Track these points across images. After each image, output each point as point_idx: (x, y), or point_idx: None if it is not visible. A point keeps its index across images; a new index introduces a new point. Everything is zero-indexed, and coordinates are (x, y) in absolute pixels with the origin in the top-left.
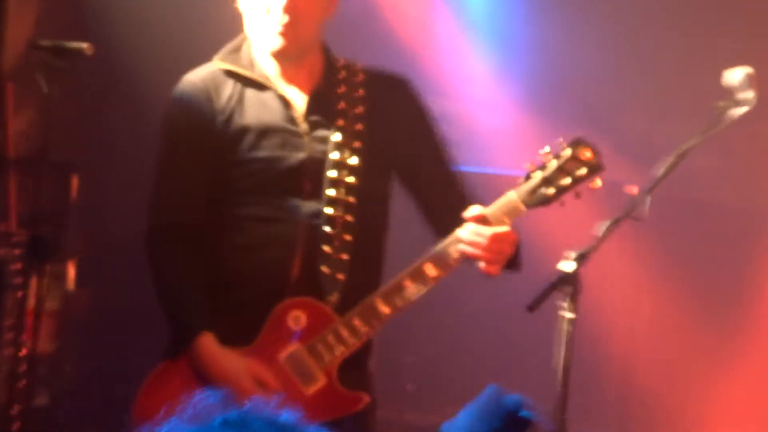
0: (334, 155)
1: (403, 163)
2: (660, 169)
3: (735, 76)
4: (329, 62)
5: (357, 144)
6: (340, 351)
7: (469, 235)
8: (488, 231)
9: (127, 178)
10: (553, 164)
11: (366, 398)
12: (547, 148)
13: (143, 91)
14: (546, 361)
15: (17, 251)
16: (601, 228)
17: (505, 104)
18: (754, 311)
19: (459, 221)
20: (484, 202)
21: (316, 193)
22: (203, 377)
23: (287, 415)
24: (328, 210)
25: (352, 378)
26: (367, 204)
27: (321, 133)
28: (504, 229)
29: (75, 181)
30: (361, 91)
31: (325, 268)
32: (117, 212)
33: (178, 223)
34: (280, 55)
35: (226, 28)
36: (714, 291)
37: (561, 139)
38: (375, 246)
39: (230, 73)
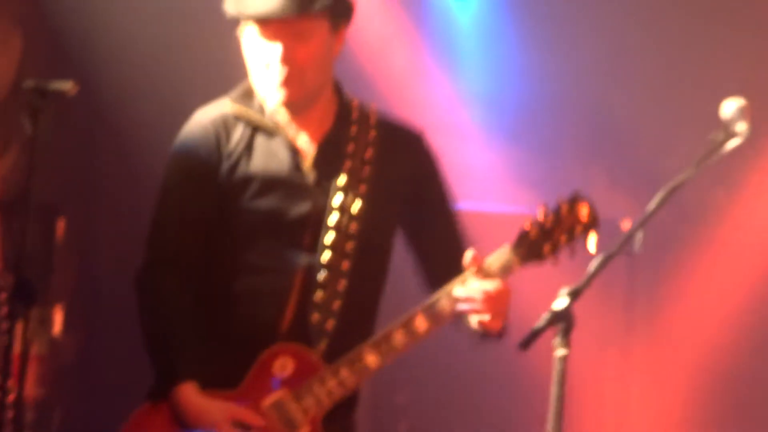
0: (338, 199)
1: (408, 217)
2: (652, 204)
3: (728, 108)
4: (342, 103)
5: (362, 188)
6: (326, 400)
7: (466, 290)
8: (485, 286)
9: (115, 221)
10: (550, 221)
11: None
12: (545, 205)
13: (129, 132)
14: (540, 398)
15: (2, 295)
16: (593, 264)
17: (494, 138)
18: None
19: (453, 274)
20: (475, 244)
21: (316, 244)
22: (182, 423)
23: None
24: (325, 255)
25: (337, 428)
26: (366, 251)
27: (328, 183)
28: (499, 285)
29: (61, 224)
30: (372, 134)
31: (315, 315)
32: (104, 255)
33: (173, 260)
34: (286, 107)
35: (213, 67)
36: None
37: (558, 197)
38: (370, 295)
39: (240, 117)
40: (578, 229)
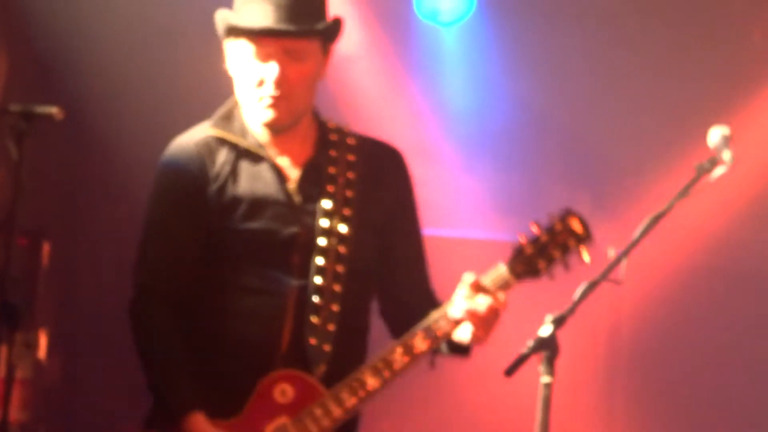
0: (324, 223)
1: (383, 238)
2: (637, 232)
3: (714, 136)
4: (321, 127)
5: (347, 212)
6: (328, 425)
7: (464, 304)
8: (486, 301)
9: (100, 245)
10: (544, 236)
11: None
12: (537, 222)
13: (115, 156)
14: (525, 424)
15: None
16: (578, 291)
17: (477, 164)
18: None
19: (417, 302)
20: (462, 268)
21: (306, 266)
22: None
23: None
24: (317, 280)
25: None
26: (356, 273)
27: (313, 206)
28: (501, 299)
29: (46, 248)
30: (352, 156)
31: (312, 340)
32: (89, 279)
33: (163, 288)
34: (271, 127)
35: (200, 90)
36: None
37: (550, 213)
38: (361, 316)
39: (223, 141)
40: (572, 243)
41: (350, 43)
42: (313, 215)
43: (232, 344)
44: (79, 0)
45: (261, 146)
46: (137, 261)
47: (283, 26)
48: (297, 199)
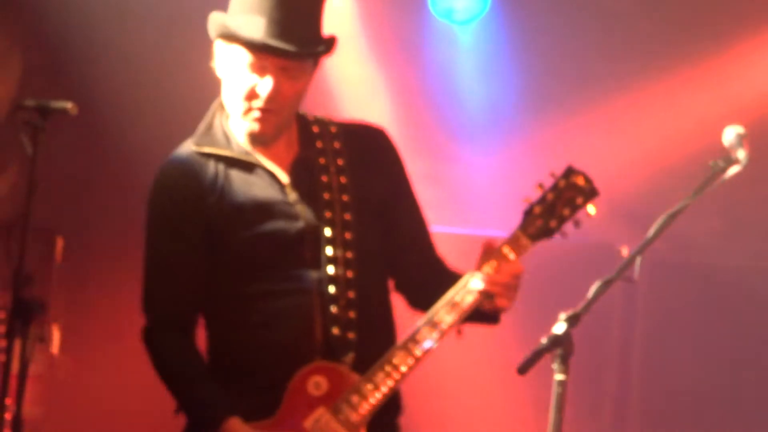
0: (326, 213)
1: (379, 211)
2: (651, 231)
3: (727, 135)
4: (301, 121)
5: (345, 198)
6: (366, 409)
7: (494, 277)
8: (510, 270)
9: (113, 241)
10: (551, 196)
11: None
12: (541, 183)
13: (128, 152)
14: (539, 421)
15: (1, 314)
16: (592, 289)
17: (493, 165)
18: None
19: (435, 283)
20: (469, 264)
21: (317, 258)
22: None
23: None
24: (330, 270)
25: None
26: (365, 257)
27: (311, 199)
28: (518, 266)
29: (59, 244)
30: (337, 144)
31: (335, 330)
32: (102, 275)
33: (173, 320)
34: (256, 139)
35: (212, 88)
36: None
37: (553, 173)
38: (381, 299)
39: (209, 155)
40: (579, 199)
41: (365, 39)
42: (313, 208)
43: (268, 350)
44: None
45: (247, 153)
46: (144, 293)
47: (285, 46)
48: (294, 195)
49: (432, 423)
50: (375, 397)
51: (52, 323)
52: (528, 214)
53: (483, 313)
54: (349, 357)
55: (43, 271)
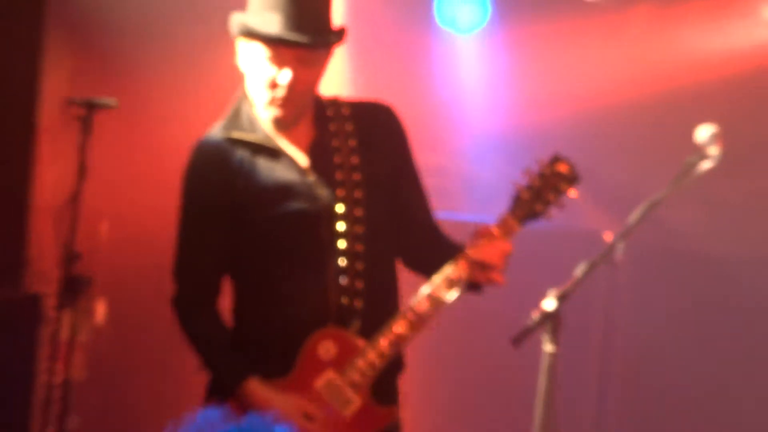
0: (339, 192)
1: (390, 188)
2: (633, 218)
3: (703, 133)
4: (317, 104)
5: (356, 176)
6: (370, 372)
7: (481, 252)
8: (496, 247)
9: (152, 222)
10: (537, 182)
11: (397, 412)
12: (528, 169)
13: (167, 142)
14: (529, 388)
15: (52, 288)
16: (579, 270)
17: (489, 157)
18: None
19: (435, 249)
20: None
21: (332, 234)
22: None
23: (280, 428)
24: (341, 244)
25: (383, 394)
26: (375, 232)
27: (327, 180)
28: (507, 245)
29: (105, 226)
30: (349, 126)
31: (344, 299)
32: (143, 253)
33: (199, 292)
34: (279, 123)
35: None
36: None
37: (539, 160)
38: (387, 271)
39: (237, 140)
40: (562, 185)
41: (378, 45)
42: (329, 188)
43: (285, 318)
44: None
45: (270, 138)
46: (174, 266)
47: (300, 38)
48: (312, 177)
49: (430, 387)
50: (378, 362)
51: (97, 297)
52: (516, 198)
53: (471, 284)
54: (356, 324)
55: (90, 250)
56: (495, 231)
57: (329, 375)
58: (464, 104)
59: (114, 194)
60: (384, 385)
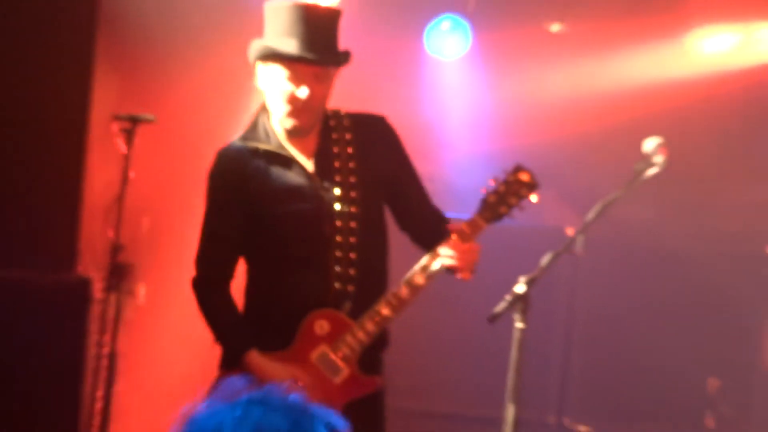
0: (337, 192)
1: (387, 187)
2: (590, 216)
3: (649, 144)
4: (323, 117)
5: (352, 179)
6: (357, 347)
7: (449, 251)
8: (462, 247)
9: (186, 220)
10: (502, 188)
11: (380, 381)
12: (495, 177)
13: (198, 150)
14: (503, 359)
15: (101, 274)
16: (545, 259)
17: (468, 164)
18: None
19: (432, 229)
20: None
21: (332, 229)
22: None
23: (295, 397)
24: (338, 237)
25: (369, 365)
26: (367, 227)
27: (329, 182)
28: (473, 244)
29: (146, 222)
30: (349, 135)
31: (338, 284)
32: (177, 245)
33: (215, 275)
34: (297, 132)
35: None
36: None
37: (505, 169)
38: (377, 261)
39: (254, 149)
40: (524, 191)
41: (375, 69)
42: (329, 190)
43: (288, 300)
44: (174, 24)
45: (282, 146)
46: (197, 252)
47: (315, 57)
48: (316, 181)
49: (415, 365)
50: (364, 338)
51: (138, 281)
52: (484, 201)
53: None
54: (348, 305)
55: (133, 241)
56: (465, 228)
57: (323, 348)
58: (448, 119)
59: (153, 195)
60: (369, 358)
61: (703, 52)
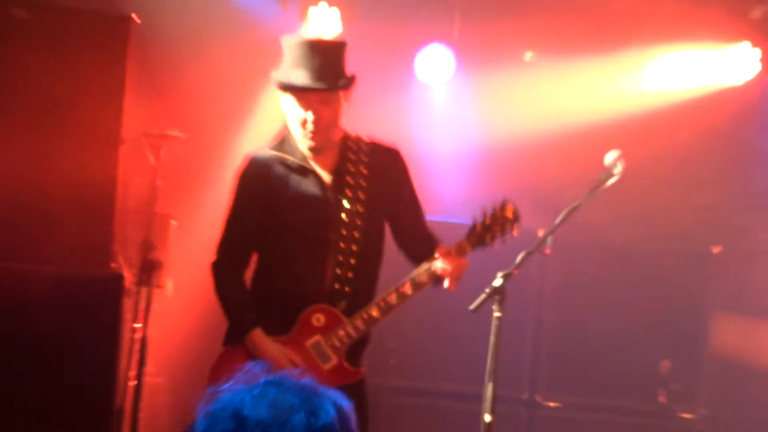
0: (346, 205)
1: (390, 208)
2: (558, 219)
3: (610, 156)
4: (344, 139)
5: (361, 195)
6: (347, 341)
7: (442, 265)
8: (452, 263)
9: (208, 223)
10: (489, 220)
11: (363, 372)
12: (484, 208)
13: (218, 164)
14: (483, 343)
15: (134, 270)
16: (519, 257)
17: (460, 178)
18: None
19: (424, 250)
20: (442, 240)
21: (336, 236)
22: (254, 358)
23: (307, 379)
24: (341, 244)
25: (354, 358)
26: (368, 239)
27: (340, 196)
28: (461, 261)
29: (173, 225)
30: (365, 158)
31: (336, 284)
32: (199, 245)
33: (231, 261)
34: (311, 150)
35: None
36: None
37: (494, 201)
38: (372, 268)
39: (279, 158)
40: (507, 225)
41: (371, 92)
42: (340, 202)
43: (292, 292)
44: (195, 55)
45: (305, 159)
46: (219, 239)
47: (318, 85)
48: (330, 193)
49: (406, 348)
50: (354, 334)
51: (166, 276)
52: (472, 229)
53: (434, 282)
54: (343, 304)
55: (162, 241)
56: (452, 251)
57: (317, 338)
58: (435, 133)
59: (178, 202)
60: (355, 352)
61: (654, 73)
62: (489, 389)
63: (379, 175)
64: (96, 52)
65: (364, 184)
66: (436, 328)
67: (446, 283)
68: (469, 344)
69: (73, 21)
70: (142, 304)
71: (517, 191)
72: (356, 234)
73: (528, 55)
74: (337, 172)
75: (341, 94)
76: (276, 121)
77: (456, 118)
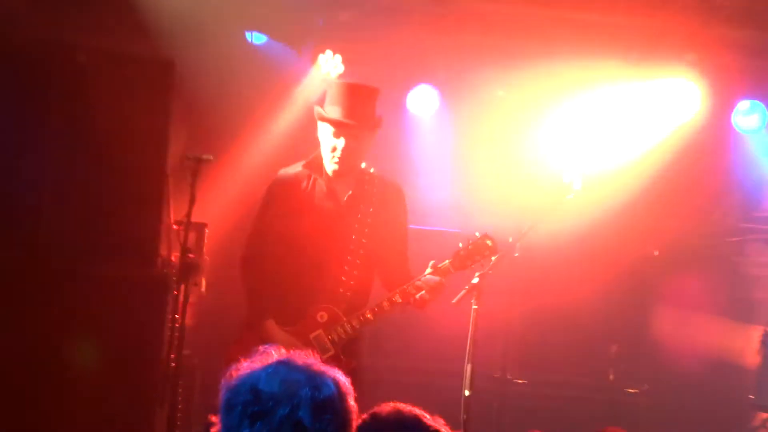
0: (355, 226)
1: (385, 237)
2: (524, 229)
3: (566, 176)
4: (363, 174)
5: (368, 220)
6: (344, 336)
7: (428, 283)
8: (437, 282)
9: (234, 232)
10: (470, 247)
11: (356, 363)
12: (468, 237)
13: (246, 183)
14: (462, 332)
15: (174, 270)
16: (491, 259)
17: (436, 193)
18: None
19: (396, 283)
20: (428, 255)
21: (343, 249)
22: (266, 342)
23: (312, 360)
24: (347, 259)
25: (349, 351)
26: (369, 257)
27: (352, 218)
28: (443, 280)
29: (206, 233)
30: (375, 190)
31: (341, 289)
32: (229, 251)
33: (256, 258)
34: (335, 174)
35: (304, 150)
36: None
37: (476, 233)
38: (368, 280)
39: (309, 175)
40: (486, 253)
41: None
42: (352, 221)
43: (303, 292)
44: (229, 89)
45: (330, 180)
46: (248, 237)
47: (349, 121)
48: (345, 213)
49: (399, 334)
50: (351, 331)
51: (201, 275)
52: (456, 254)
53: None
54: (343, 306)
55: (198, 246)
56: (440, 269)
57: (320, 332)
58: (423, 156)
59: (211, 215)
60: (351, 346)
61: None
62: (468, 369)
63: (384, 208)
64: (144, 92)
65: (372, 210)
66: (423, 318)
67: (426, 294)
68: (452, 330)
69: (126, 65)
70: (181, 299)
71: (495, 206)
72: (361, 250)
73: (500, 92)
74: (353, 196)
75: (369, 130)
76: (286, 146)
77: (440, 144)
